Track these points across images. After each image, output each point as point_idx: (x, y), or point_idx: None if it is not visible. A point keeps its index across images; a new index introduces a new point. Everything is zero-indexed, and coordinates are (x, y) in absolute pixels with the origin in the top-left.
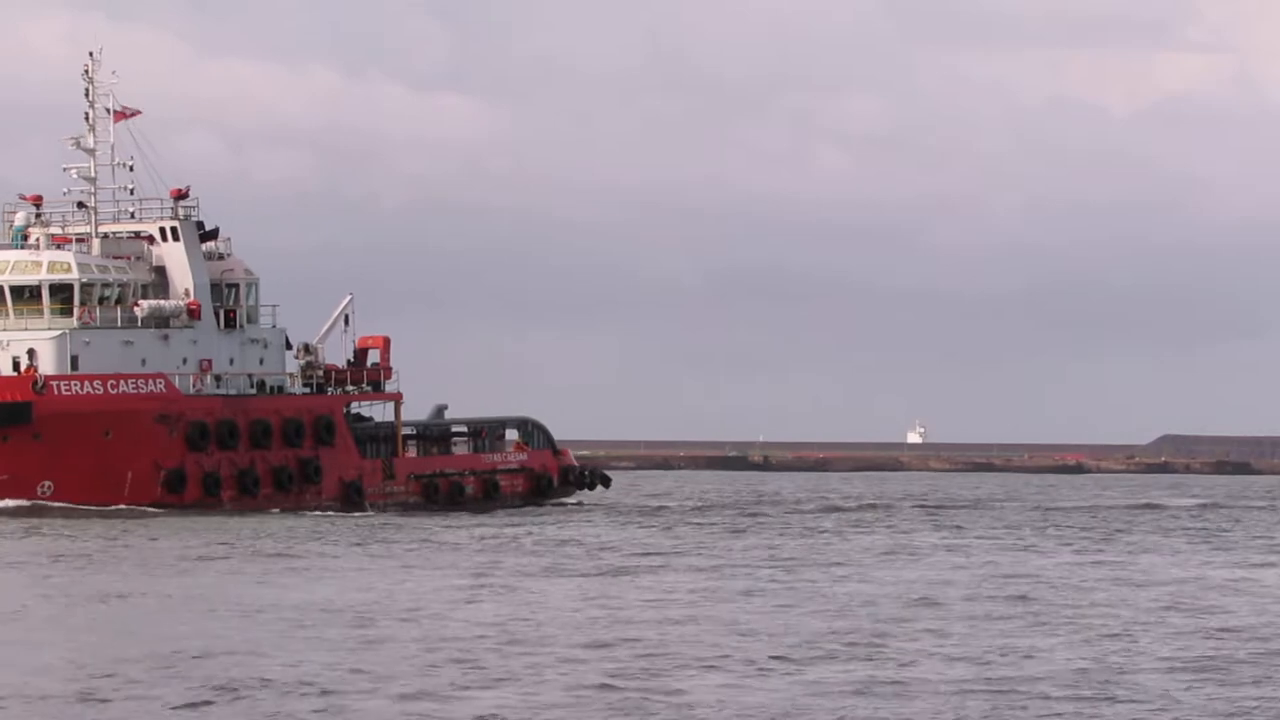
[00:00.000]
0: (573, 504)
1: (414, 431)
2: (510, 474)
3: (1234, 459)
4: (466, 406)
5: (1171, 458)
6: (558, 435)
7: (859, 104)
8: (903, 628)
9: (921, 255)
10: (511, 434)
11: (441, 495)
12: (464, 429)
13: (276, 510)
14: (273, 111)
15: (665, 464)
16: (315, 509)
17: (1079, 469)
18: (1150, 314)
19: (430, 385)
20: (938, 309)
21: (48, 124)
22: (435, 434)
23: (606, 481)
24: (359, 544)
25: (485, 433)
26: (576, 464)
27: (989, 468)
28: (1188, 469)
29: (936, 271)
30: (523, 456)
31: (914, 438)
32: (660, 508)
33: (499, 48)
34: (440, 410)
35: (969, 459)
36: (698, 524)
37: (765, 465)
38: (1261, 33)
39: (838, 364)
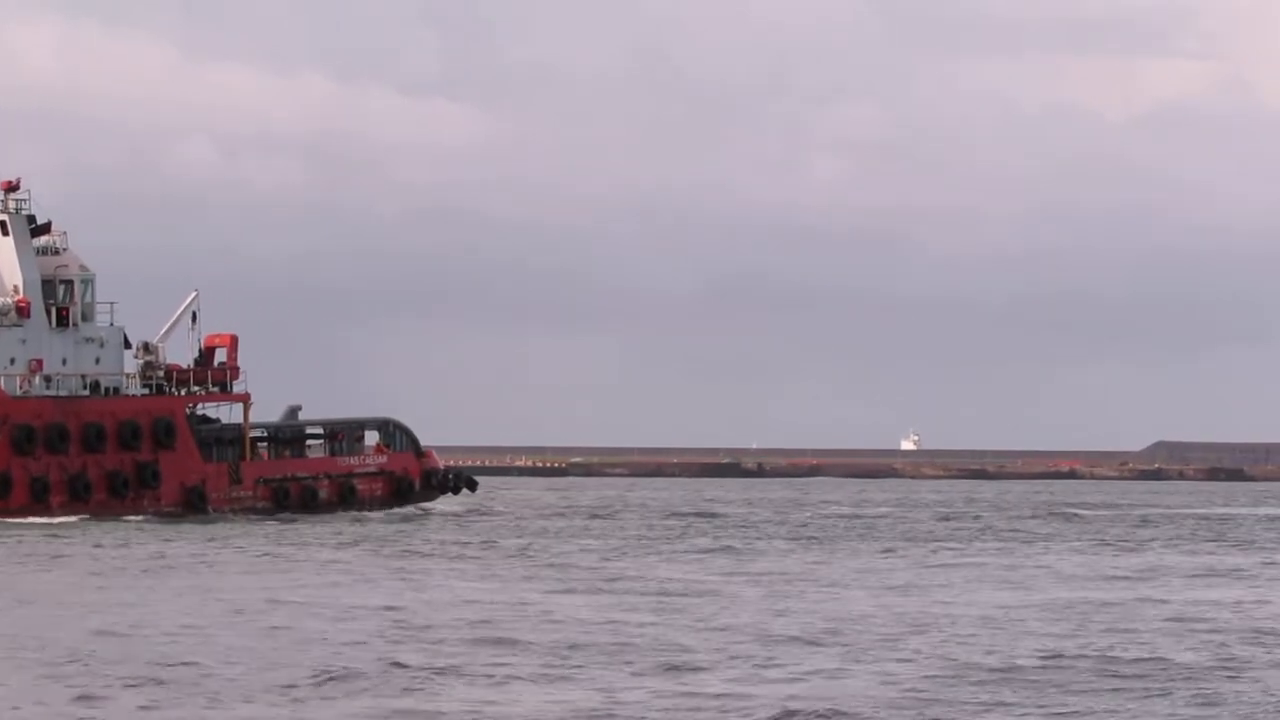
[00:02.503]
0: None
1: (265, 434)
2: (368, 477)
3: (1228, 465)
4: (465, 413)
5: (1165, 464)
6: (554, 441)
7: (855, 110)
8: None
9: (917, 261)
10: (372, 435)
11: (293, 500)
12: (319, 431)
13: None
14: (265, 117)
15: (659, 470)
16: (154, 514)
17: (1072, 475)
18: (1144, 320)
19: (427, 389)
20: (933, 315)
21: None
22: (288, 436)
23: (472, 485)
24: None
25: (342, 435)
26: (441, 466)
27: (983, 475)
28: (1181, 475)
29: (932, 278)
30: (382, 459)
31: (908, 445)
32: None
33: (492, 54)
34: (294, 411)
35: (963, 465)
36: None
37: (759, 472)
38: (1256, 39)
39: (833, 370)
